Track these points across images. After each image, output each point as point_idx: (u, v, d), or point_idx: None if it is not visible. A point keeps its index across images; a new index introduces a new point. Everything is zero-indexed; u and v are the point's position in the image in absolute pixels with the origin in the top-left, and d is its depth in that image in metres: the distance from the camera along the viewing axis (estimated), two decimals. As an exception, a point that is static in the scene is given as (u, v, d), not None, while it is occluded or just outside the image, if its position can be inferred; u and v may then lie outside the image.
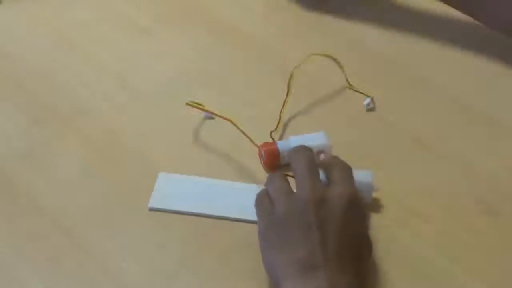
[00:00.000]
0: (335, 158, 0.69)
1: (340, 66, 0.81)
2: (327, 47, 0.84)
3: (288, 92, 0.77)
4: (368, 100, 0.80)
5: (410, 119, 0.79)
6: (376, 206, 0.70)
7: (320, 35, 0.89)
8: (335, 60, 0.81)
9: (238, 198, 0.71)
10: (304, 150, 0.67)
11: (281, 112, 0.77)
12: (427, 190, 0.72)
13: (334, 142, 0.73)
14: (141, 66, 0.86)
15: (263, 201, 0.65)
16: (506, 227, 0.69)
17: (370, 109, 0.80)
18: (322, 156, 0.72)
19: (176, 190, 0.72)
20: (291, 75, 0.78)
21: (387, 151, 0.76)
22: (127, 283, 0.65)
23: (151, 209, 0.70)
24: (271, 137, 0.75)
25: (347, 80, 0.82)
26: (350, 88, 0.82)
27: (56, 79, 0.84)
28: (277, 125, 0.77)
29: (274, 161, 0.73)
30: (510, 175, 0.73)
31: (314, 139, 0.73)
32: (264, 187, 0.67)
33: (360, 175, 0.68)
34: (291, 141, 0.73)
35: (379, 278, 0.65)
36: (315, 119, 0.79)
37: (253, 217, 0.66)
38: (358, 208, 0.64)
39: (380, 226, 0.69)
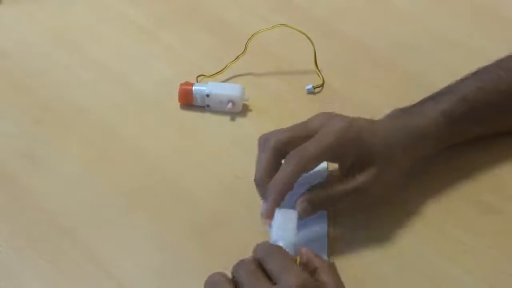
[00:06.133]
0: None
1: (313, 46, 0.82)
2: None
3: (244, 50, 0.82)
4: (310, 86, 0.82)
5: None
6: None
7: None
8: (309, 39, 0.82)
9: None
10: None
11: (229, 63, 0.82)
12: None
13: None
14: (141, 66, 0.86)
15: None
16: (506, 227, 0.69)
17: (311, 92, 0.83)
18: (230, 105, 0.78)
19: None
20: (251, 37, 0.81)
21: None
22: (127, 283, 0.65)
23: None
24: (196, 80, 0.82)
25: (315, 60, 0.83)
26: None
27: (56, 79, 0.84)
28: (217, 73, 0.81)
29: (188, 99, 0.79)
30: (510, 175, 0.74)
31: (229, 88, 0.79)
32: None
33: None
34: (208, 85, 0.79)
35: (378, 278, 0.65)
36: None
37: None
38: None
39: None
